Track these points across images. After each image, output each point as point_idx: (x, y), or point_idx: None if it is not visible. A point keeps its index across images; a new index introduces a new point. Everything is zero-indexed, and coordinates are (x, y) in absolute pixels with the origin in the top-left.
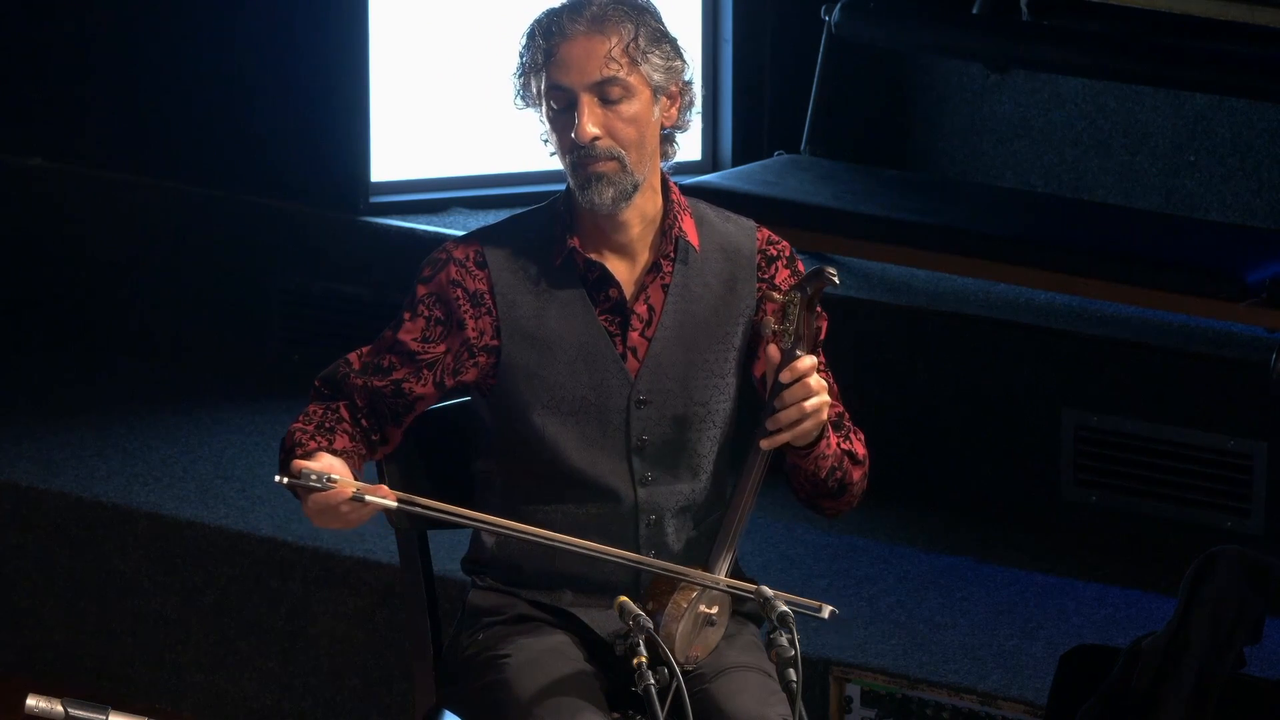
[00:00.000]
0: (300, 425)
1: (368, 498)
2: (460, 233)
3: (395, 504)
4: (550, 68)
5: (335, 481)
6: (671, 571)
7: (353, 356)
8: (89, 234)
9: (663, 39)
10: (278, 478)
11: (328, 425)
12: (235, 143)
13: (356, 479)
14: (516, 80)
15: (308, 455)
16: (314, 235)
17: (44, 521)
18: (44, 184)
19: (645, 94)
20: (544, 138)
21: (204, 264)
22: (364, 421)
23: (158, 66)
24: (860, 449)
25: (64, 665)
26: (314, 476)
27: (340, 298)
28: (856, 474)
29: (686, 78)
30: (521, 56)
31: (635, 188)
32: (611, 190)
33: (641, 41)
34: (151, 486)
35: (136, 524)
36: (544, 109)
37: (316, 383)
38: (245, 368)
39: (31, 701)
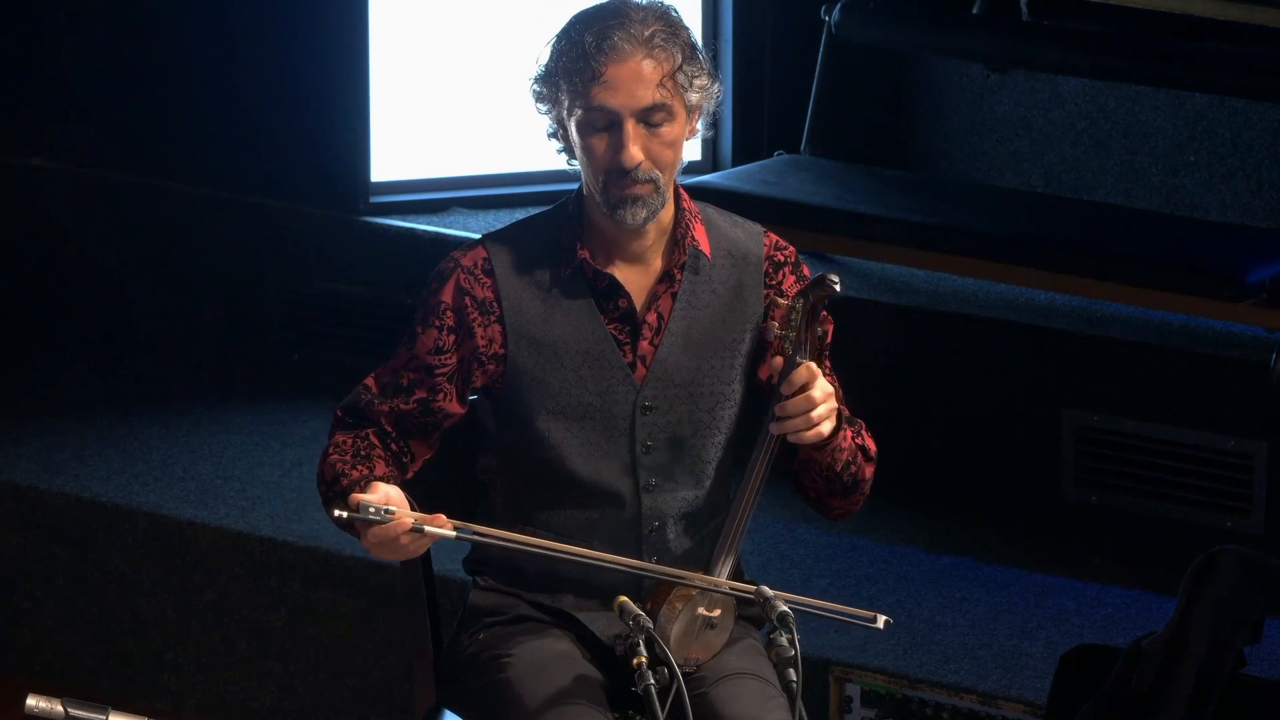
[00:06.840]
0: (336, 457)
1: (426, 528)
2: (460, 233)
3: (454, 534)
4: (597, 88)
5: (394, 513)
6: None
7: (370, 381)
8: (89, 234)
9: (698, 56)
10: (336, 512)
11: (363, 453)
12: (235, 143)
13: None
14: (542, 84)
15: (353, 486)
16: (314, 235)
17: (44, 521)
18: (44, 184)
19: (683, 116)
20: (551, 133)
21: (204, 264)
22: (394, 445)
23: (157, 67)
24: (872, 445)
25: (64, 665)
26: (372, 509)
27: (340, 298)
28: (869, 470)
29: (719, 98)
30: (555, 61)
31: (663, 206)
32: (645, 211)
33: (686, 66)
34: (151, 486)
35: (136, 524)
36: (575, 121)
37: (339, 412)
38: (245, 368)
39: (31, 701)
